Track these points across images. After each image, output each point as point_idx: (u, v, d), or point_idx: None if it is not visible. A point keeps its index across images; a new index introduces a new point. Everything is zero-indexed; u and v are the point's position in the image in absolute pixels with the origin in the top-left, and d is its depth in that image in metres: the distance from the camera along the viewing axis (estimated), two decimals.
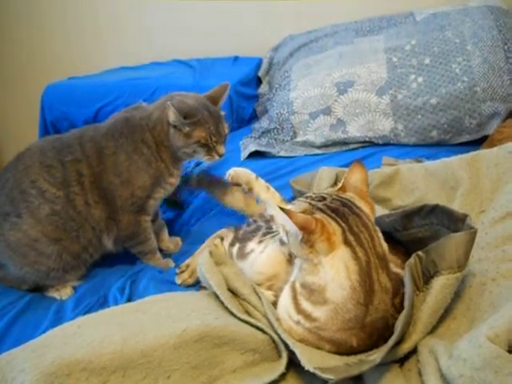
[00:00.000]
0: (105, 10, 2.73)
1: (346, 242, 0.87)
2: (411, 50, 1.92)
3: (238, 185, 1.35)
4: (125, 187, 1.38)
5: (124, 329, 0.92)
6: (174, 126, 1.36)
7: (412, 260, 0.92)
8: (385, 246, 0.92)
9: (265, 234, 1.19)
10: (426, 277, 0.92)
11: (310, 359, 0.84)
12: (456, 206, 1.18)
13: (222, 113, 1.44)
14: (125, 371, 0.85)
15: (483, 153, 1.29)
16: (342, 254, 0.86)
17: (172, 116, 1.34)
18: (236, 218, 1.47)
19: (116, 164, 1.38)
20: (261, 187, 1.33)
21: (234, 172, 1.36)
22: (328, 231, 0.87)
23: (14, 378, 0.83)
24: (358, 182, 0.98)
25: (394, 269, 0.93)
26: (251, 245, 1.19)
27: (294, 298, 0.93)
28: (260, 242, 1.19)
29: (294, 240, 0.90)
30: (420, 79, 1.84)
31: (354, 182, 0.98)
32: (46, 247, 1.34)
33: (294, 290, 0.94)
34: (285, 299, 0.96)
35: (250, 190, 1.32)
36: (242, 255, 1.19)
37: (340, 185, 1.00)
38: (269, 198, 1.31)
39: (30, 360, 0.85)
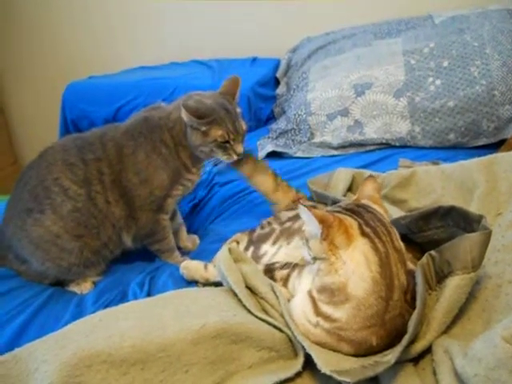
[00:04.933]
0: (124, 11, 2.77)
1: (364, 234, 0.89)
2: (429, 52, 1.91)
3: (194, 281, 1.25)
4: (143, 186, 1.40)
5: (144, 323, 0.94)
6: (191, 126, 1.37)
7: (424, 259, 0.93)
8: (401, 243, 0.93)
9: (278, 237, 1.20)
10: (439, 276, 0.92)
11: (326, 362, 0.85)
12: (473, 208, 1.17)
13: (239, 109, 1.44)
14: (144, 364, 0.86)
15: (501, 156, 1.28)
16: (361, 245, 0.88)
17: (185, 117, 1.35)
18: (253, 217, 1.48)
19: (135, 163, 1.39)
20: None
21: (185, 266, 1.29)
22: (345, 225, 0.89)
23: (36, 369, 0.85)
24: (371, 191, 1.02)
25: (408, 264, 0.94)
26: (265, 247, 1.21)
27: (313, 303, 0.93)
28: (273, 243, 1.21)
29: (314, 239, 0.91)
30: (438, 82, 1.84)
31: (367, 191, 1.02)
32: (67, 243, 1.36)
33: (311, 297, 0.94)
34: (301, 306, 0.95)
35: (207, 280, 1.24)
36: (256, 258, 1.20)
37: (355, 197, 1.03)
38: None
39: (52, 351, 0.86)
